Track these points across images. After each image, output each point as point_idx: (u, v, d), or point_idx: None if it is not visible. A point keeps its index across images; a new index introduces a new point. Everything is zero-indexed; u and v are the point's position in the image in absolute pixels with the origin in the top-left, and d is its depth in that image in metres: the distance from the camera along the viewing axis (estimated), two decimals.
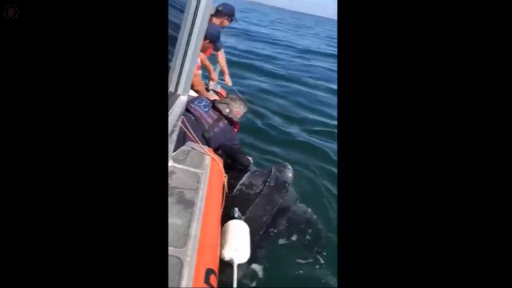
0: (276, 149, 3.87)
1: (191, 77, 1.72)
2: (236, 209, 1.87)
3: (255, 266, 1.97)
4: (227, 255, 1.59)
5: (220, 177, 1.91)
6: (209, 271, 1.25)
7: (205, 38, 2.56)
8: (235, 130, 2.78)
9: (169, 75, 1.64)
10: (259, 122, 4.52)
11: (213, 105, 2.54)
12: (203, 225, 1.43)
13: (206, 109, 2.45)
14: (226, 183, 1.97)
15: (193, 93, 2.84)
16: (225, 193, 1.94)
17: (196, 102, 2.48)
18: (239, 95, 3.07)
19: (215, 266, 1.34)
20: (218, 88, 3.68)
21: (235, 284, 1.45)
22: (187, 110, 2.36)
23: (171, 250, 1.23)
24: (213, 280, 1.26)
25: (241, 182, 2.18)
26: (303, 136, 4.42)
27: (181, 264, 1.19)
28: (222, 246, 1.63)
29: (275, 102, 5.55)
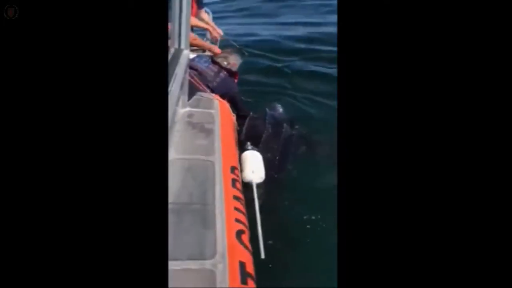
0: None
1: (189, 32, 2.01)
2: (249, 143, 2.24)
3: (271, 187, 2.24)
4: (246, 177, 1.95)
5: (229, 114, 2.29)
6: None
7: None
8: (236, 79, 3.07)
9: (172, 33, 1.92)
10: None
11: (212, 60, 2.85)
12: (223, 146, 1.81)
13: (206, 64, 2.77)
14: (235, 120, 2.35)
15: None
16: (235, 128, 2.32)
17: (196, 59, 2.80)
18: (235, 45, 3.29)
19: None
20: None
21: (256, 201, 1.73)
22: (190, 67, 2.58)
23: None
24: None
25: (245, 126, 2.58)
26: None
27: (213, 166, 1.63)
28: (241, 172, 1.96)
29: None
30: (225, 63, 2.86)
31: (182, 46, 1.99)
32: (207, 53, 3.39)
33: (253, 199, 1.77)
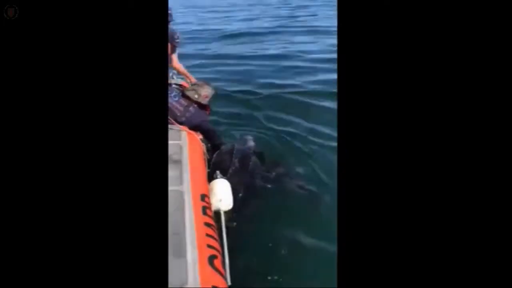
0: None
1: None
2: (218, 171, 2.26)
3: (241, 215, 2.25)
4: (214, 205, 1.93)
5: (198, 144, 2.31)
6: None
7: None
8: (207, 112, 3.09)
9: None
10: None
11: (183, 93, 2.86)
12: (192, 175, 1.82)
13: (176, 98, 2.78)
14: (205, 150, 2.37)
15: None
16: (205, 157, 2.34)
17: (169, 94, 2.80)
18: (205, 81, 3.31)
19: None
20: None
21: (223, 228, 1.74)
22: None
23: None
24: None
25: (213, 160, 2.63)
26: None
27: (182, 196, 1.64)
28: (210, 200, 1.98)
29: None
30: (196, 96, 2.88)
31: None
32: (176, 81, 3.41)
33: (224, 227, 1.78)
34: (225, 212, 1.97)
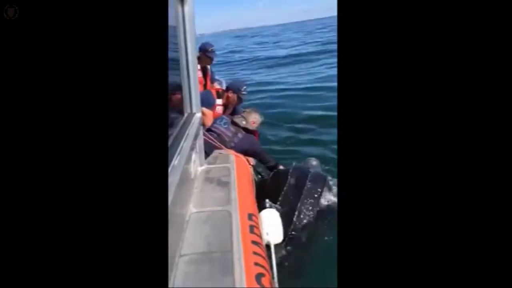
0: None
1: (198, 96, 2.20)
2: (267, 200, 2.25)
3: (290, 248, 2.19)
4: (263, 239, 1.80)
5: (245, 166, 2.33)
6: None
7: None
8: (255, 136, 3.18)
9: (183, 99, 2.11)
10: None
11: (232, 121, 3.01)
12: (239, 195, 1.84)
13: (226, 126, 2.94)
14: (253, 172, 2.38)
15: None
16: (253, 178, 2.33)
17: (217, 122, 3.01)
18: (253, 108, 3.41)
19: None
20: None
21: (274, 264, 1.71)
22: (210, 129, 2.93)
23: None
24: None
25: (268, 180, 2.65)
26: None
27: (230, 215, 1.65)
28: None
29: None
30: (244, 122, 3.01)
31: (194, 111, 2.20)
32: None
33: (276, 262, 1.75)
34: (276, 245, 1.91)
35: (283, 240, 2.07)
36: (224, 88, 3.93)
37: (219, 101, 3.56)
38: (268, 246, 1.85)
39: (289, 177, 2.59)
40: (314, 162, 3.21)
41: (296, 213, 2.33)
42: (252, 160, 3.22)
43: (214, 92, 3.68)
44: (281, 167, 3.01)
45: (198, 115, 2.20)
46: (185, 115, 2.14)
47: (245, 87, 3.64)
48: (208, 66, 4.36)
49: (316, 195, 2.51)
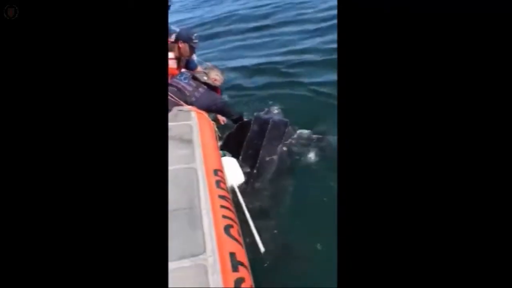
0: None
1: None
2: (223, 151, 2.34)
3: (251, 188, 2.32)
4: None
5: (208, 123, 2.35)
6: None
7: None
8: (218, 94, 3.11)
9: None
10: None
11: (193, 76, 2.91)
12: (204, 152, 1.88)
13: (186, 81, 2.85)
14: (216, 128, 2.40)
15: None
16: (216, 135, 2.37)
17: (177, 77, 2.90)
18: (214, 66, 3.31)
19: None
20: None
21: (241, 201, 1.85)
22: (170, 84, 2.79)
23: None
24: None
25: (233, 130, 2.73)
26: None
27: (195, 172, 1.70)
28: None
29: None
30: (205, 77, 2.92)
31: None
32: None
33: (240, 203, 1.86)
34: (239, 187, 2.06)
35: (248, 183, 2.26)
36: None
37: (170, 55, 3.31)
38: (233, 190, 1.99)
39: (251, 126, 2.71)
40: (275, 110, 3.29)
41: (260, 156, 2.47)
42: (223, 120, 3.23)
43: None
44: (245, 119, 3.06)
45: None
46: None
47: (196, 34, 3.39)
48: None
49: (277, 139, 2.67)
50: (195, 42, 3.39)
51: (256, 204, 2.20)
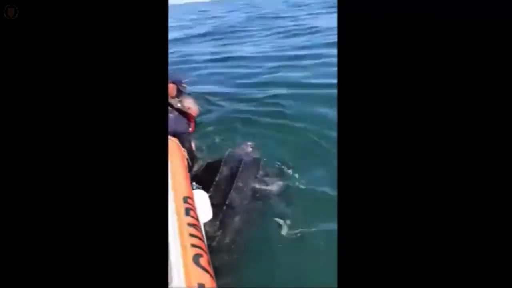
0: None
1: None
2: (194, 183, 2.20)
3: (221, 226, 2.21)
4: None
5: (178, 149, 2.28)
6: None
7: None
8: (191, 122, 3.05)
9: None
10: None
11: (168, 101, 2.81)
12: (173, 179, 1.80)
13: None
14: (187, 156, 2.32)
15: None
16: (187, 162, 2.29)
17: None
18: (192, 97, 3.32)
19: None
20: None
21: (204, 240, 1.66)
22: None
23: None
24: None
25: (200, 170, 2.58)
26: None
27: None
28: None
29: None
30: (178, 104, 2.88)
31: None
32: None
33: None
34: (206, 224, 1.95)
35: (217, 218, 2.13)
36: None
37: None
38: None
39: (221, 167, 2.58)
40: (249, 147, 3.11)
41: (228, 201, 2.34)
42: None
43: None
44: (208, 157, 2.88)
45: None
46: None
47: (186, 80, 3.43)
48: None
49: (249, 179, 2.52)
50: (184, 87, 3.38)
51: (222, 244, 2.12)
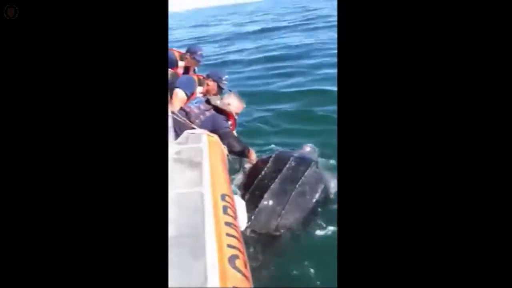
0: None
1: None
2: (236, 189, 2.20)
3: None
4: None
5: (218, 146, 2.27)
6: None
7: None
8: (232, 122, 2.97)
9: None
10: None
11: (206, 99, 2.86)
12: (212, 176, 1.79)
13: (197, 103, 2.80)
14: (226, 151, 2.31)
15: None
16: (226, 159, 2.29)
17: (191, 101, 2.88)
18: (235, 93, 3.23)
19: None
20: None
21: (241, 241, 1.63)
22: (181, 108, 2.74)
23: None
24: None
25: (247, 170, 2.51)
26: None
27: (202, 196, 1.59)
28: None
29: None
30: (218, 102, 2.85)
31: None
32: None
33: None
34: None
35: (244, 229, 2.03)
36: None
37: (199, 89, 3.31)
38: None
39: (269, 163, 2.48)
40: (308, 148, 2.93)
41: (266, 195, 2.24)
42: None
43: (196, 80, 3.35)
44: (253, 154, 2.79)
45: None
46: None
47: (226, 76, 3.39)
48: (194, 68, 3.98)
49: (291, 183, 2.34)
50: (225, 84, 3.37)
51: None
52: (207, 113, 2.78)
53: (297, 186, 2.32)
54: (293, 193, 2.29)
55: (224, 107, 2.88)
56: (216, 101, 2.86)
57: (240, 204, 2.06)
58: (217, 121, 2.79)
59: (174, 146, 2.16)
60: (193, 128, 2.46)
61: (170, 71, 3.37)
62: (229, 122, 2.98)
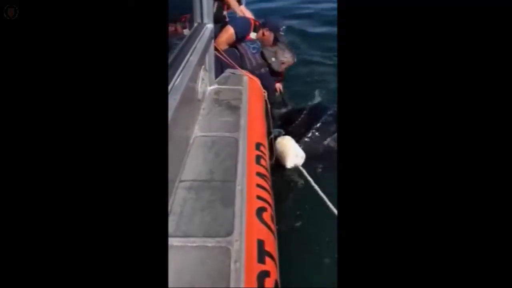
0: None
1: (211, 6, 1.95)
2: (276, 130, 2.30)
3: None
4: (290, 163, 2.11)
5: (259, 91, 2.19)
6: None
7: None
8: (281, 78, 2.97)
9: (193, 8, 1.87)
10: None
11: (262, 52, 2.73)
12: (250, 122, 1.76)
13: (254, 51, 2.67)
14: (266, 96, 2.24)
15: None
16: (266, 105, 2.22)
17: (248, 43, 2.74)
18: (287, 46, 3.09)
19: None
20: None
21: (312, 181, 1.84)
22: (236, 47, 2.65)
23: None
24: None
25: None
26: None
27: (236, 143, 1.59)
28: (283, 158, 2.11)
29: None
30: (273, 59, 2.74)
31: (205, 21, 1.95)
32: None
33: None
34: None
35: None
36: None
37: (253, 35, 3.06)
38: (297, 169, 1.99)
39: (306, 110, 2.59)
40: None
41: (310, 133, 2.37)
42: (279, 87, 3.03)
43: (252, 23, 3.08)
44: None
45: (210, 26, 1.94)
46: (194, 25, 1.89)
47: (284, 27, 3.12)
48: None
49: (332, 128, 2.46)
50: (281, 35, 3.12)
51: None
52: (262, 71, 2.67)
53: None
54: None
55: (280, 69, 2.77)
56: (272, 58, 2.72)
57: (292, 141, 2.16)
58: (265, 81, 2.65)
59: (214, 86, 2.10)
60: (235, 68, 2.36)
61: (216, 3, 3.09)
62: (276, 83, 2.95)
